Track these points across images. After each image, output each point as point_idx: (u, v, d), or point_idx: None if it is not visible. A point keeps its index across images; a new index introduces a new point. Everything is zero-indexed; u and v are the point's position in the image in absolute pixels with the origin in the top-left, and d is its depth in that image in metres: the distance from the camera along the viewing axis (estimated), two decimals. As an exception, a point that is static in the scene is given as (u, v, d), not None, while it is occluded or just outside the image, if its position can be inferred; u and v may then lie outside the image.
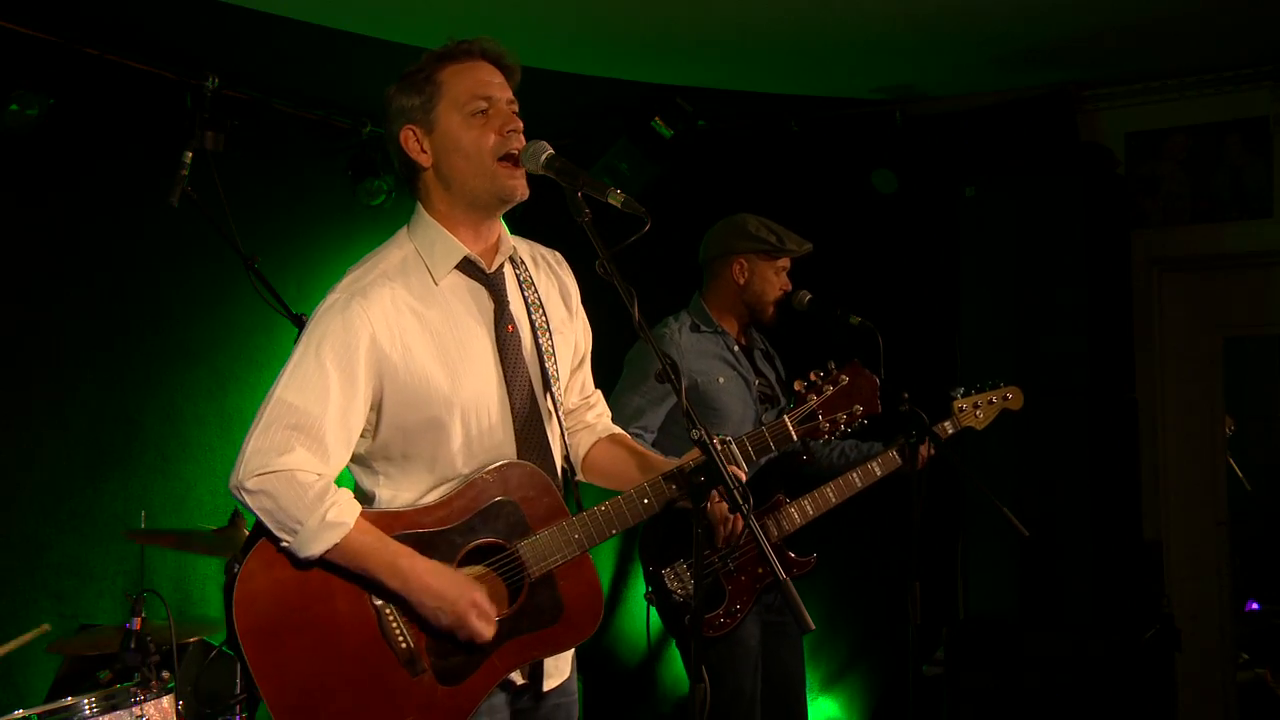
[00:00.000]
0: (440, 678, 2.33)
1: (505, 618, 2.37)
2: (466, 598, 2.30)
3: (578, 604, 2.44)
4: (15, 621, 4.31)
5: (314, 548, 2.27)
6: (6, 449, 4.38)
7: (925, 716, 4.59)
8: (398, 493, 2.42)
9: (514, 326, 2.48)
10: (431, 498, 2.40)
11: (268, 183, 5.15)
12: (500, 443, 2.44)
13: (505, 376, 2.45)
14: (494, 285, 2.48)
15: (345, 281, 2.39)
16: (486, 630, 2.32)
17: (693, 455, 2.46)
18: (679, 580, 3.63)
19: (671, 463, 2.54)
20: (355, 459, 2.43)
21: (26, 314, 4.48)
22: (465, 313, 2.44)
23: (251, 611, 2.26)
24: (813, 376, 2.71)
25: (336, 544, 2.27)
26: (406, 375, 2.35)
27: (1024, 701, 4.57)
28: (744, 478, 2.43)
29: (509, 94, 2.46)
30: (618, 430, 2.77)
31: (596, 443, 2.71)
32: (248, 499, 2.27)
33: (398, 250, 2.44)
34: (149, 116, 4.62)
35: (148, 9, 4.35)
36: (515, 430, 2.46)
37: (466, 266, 2.45)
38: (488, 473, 2.41)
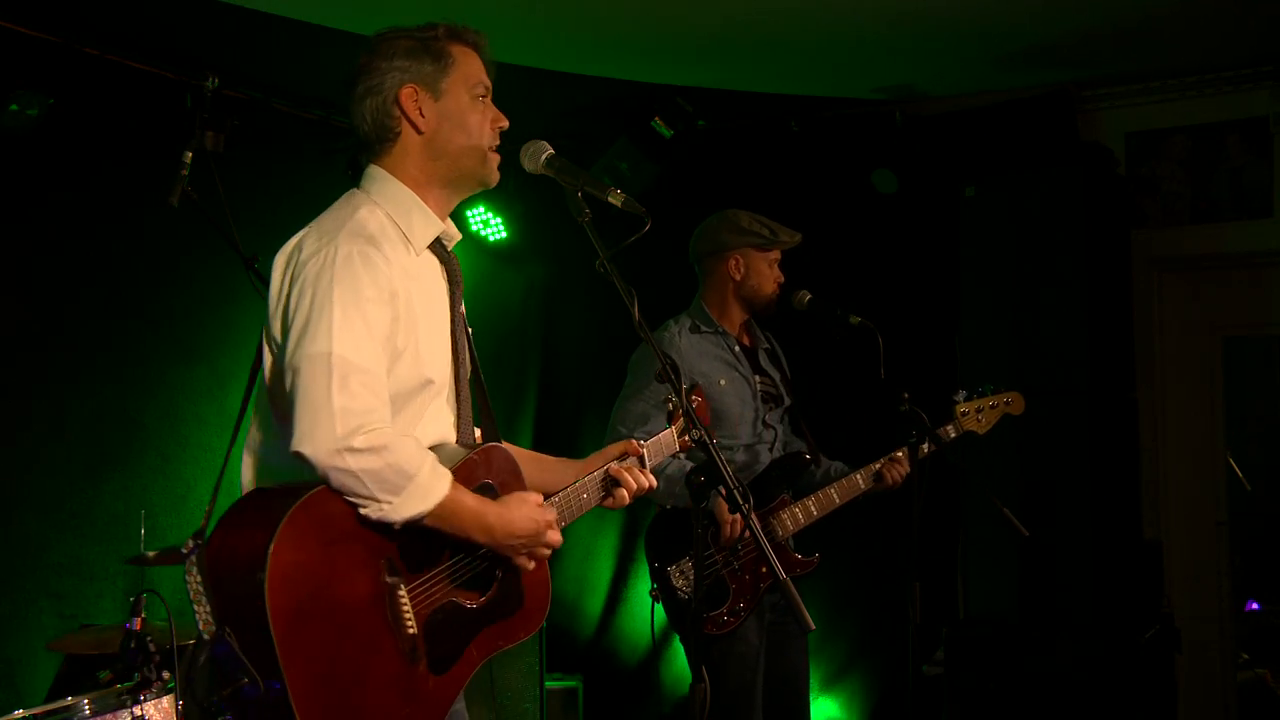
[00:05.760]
0: (432, 667, 2.28)
1: (482, 606, 2.36)
2: (542, 520, 2.34)
3: (533, 594, 2.45)
4: (15, 621, 4.32)
5: (423, 504, 2.16)
6: (7, 449, 4.38)
7: (925, 716, 4.59)
8: None
9: (462, 308, 2.49)
10: None
11: (268, 183, 5.14)
12: (445, 425, 2.43)
13: (455, 359, 2.45)
14: (452, 266, 2.48)
15: (342, 234, 2.24)
16: (559, 535, 2.38)
17: (615, 451, 2.62)
18: (685, 578, 3.63)
19: (568, 463, 2.65)
20: None
21: (26, 314, 4.48)
22: (436, 288, 2.43)
23: (285, 590, 2.04)
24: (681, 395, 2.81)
25: (446, 495, 2.19)
26: (405, 342, 2.29)
27: (1024, 701, 4.57)
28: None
29: None
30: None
31: None
32: (351, 460, 2.09)
33: (369, 214, 2.33)
34: (149, 116, 4.62)
35: (147, 9, 4.35)
36: (458, 413, 2.46)
37: (434, 243, 2.44)
38: (476, 454, 2.39)
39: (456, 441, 2.46)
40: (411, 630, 2.23)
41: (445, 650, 2.30)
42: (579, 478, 2.57)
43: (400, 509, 2.15)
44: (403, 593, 2.23)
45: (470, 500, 2.27)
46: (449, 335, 2.44)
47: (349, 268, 2.20)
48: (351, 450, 2.10)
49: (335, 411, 2.10)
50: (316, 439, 2.10)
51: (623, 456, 2.64)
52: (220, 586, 2.11)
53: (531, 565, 2.36)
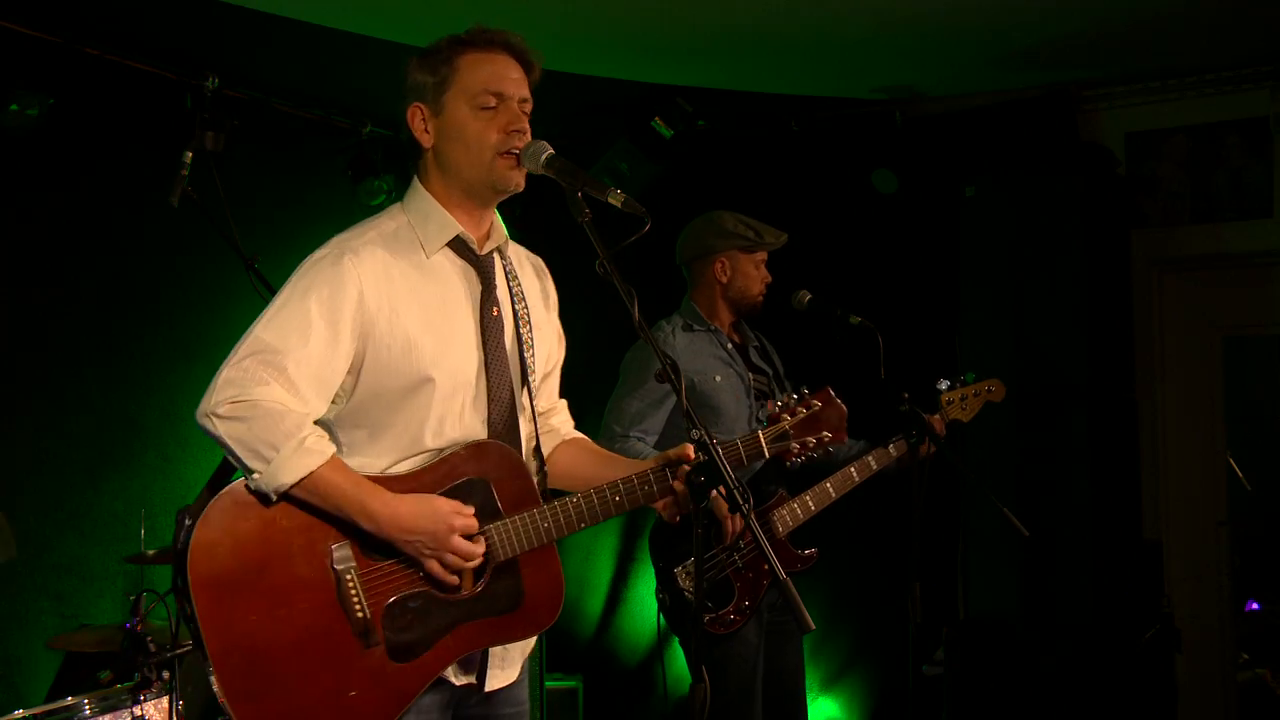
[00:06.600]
0: (392, 653, 2.28)
1: (462, 598, 2.34)
2: (444, 523, 2.27)
3: (538, 594, 2.41)
4: (15, 621, 4.32)
5: (286, 477, 2.20)
6: (7, 449, 4.38)
7: (925, 716, 4.59)
8: (364, 463, 2.36)
9: (499, 311, 2.48)
10: (400, 469, 2.37)
11: (268, 183, 5.15)
12: (472, 425, 2.43)
13: (486, 359, 2.44)
14: (483, 267, 2.48)
15: (335, 240, 2.38)
16: (476, 547, 2.30)
17: (663, 457, 2.44)
18: (691, 579, 3.63)
19: (638, 464, 2.52)
20: (322, 425, 2.35)
21: (27, 314, 4.48)
22: (453, 289, 2.44)
23: (207, 562, 2.20)
24: (786, 399, 2.68)
25: (311, 473, 2.21)
26: (390, 338, 2.33)
27: (1024, 701, 4.57)
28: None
29: (524, 92, 2.47)
30: (579, 434, 2.75)
31: (558, 445, 2.67)
32: (218, 425, 2.22)
33: (390, 220, 2.45)
34: (149, 116, 4.62)
35: (148, 9, 4.35)
36: (489, 414, 2.44)
37: (458, 245, 2.45)
38: (462, 449, 2.39)
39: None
40: (361, 614, 2.26)
41: (410, 638, 2.30)
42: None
43: (270, 478, 2.21)
44: (352, 577, 2.27)
45: (349, 483, 2.26)
46: (474, 335, 2.44)
47: (317, 268, 2.33)
48: (217, 416, 2.22)
49: (220, 381, 2.25)
50: (200, 404, 2.26)
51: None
52: (176, 562, 2.25)
53: (441, 571, 2.28)
